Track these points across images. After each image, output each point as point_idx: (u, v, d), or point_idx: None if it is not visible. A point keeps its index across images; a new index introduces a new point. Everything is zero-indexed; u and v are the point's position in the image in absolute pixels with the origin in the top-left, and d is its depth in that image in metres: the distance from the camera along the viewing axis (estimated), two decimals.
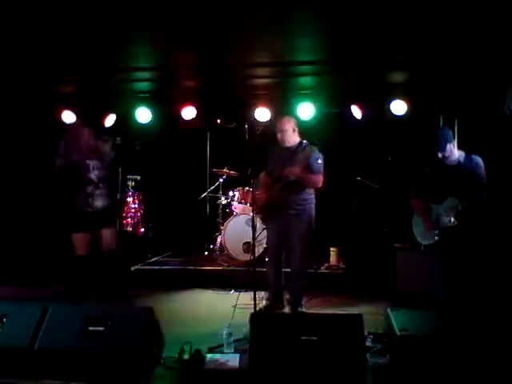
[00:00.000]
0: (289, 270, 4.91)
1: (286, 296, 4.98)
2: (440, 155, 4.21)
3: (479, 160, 4.23)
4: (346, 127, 7.01)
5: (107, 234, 4.82)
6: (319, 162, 4.70)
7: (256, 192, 4.75)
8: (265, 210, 4.86)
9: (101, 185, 4.75)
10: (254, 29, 4.59)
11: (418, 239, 4.43)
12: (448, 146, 4.18)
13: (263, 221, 4.71)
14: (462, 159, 4.26)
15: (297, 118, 5.29)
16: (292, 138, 4.80)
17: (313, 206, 4.84)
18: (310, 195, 4.81)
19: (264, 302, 4.93)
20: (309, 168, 4.64)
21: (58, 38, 4.73)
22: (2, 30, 4.50)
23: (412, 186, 4.51)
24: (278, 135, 4.81)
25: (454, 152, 4.24)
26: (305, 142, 4.80)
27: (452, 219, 4.14)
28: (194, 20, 4.38)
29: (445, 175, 4.26)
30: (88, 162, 4.72)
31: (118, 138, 4.90)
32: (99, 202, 4.74)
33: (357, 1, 4.02)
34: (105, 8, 4.07)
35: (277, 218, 4.77)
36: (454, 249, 4.17)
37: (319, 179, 4.72)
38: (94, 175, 4.72)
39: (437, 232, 4.22)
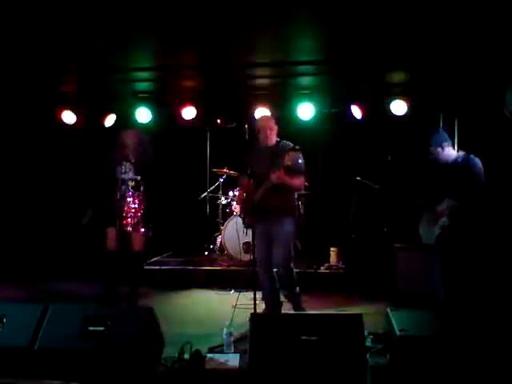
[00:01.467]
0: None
1: (284, 293, 4.95)
2: (431, 157, 4.25)
3: (477, 160, 4.23)
4: (346, 127, 7.01)
5: (138, 234, 5.01)
6: (300, 161, 4.57)
7: (239, 196, 4.68)
8: (250, 215, 4.71)
9: (131, 185, 5.00)
10: (254, 29, 4.59)
11: (423, 239, 4.43)
12: (436, 148, 4.21)
13: (250, 226, 4.47)
14: (459, 159, 4.27)
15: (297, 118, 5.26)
16: (274, 136, 4.74)
17: (295, 206, 4.82)
18: (293, 196, 4.79)
19: (263, 306, 4.90)
20: (293, 170, 4.51)
21: (58, 38, 4.74)
22: (2, 30, 4.50)
23: (412, 186, 4.52)
24: (265, 133, 4.67)
25: (448, 153, 4.26)
26: (283, 141, 4.72)
27: (445, 220, 4.14)
28: (195, 21, 4.39)
29: (441, 176, 4.27)
30: (123, 163, 4.96)
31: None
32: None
33: (357, 1, 4.03)
34: (107, 9, 4.08)
35: (262, 223, 4.62)
36: (455, 249, 4.17)
37: (303, 180, 4.71)
38: (127, 176, 4.97)
39: (436, 232, 4.23)
